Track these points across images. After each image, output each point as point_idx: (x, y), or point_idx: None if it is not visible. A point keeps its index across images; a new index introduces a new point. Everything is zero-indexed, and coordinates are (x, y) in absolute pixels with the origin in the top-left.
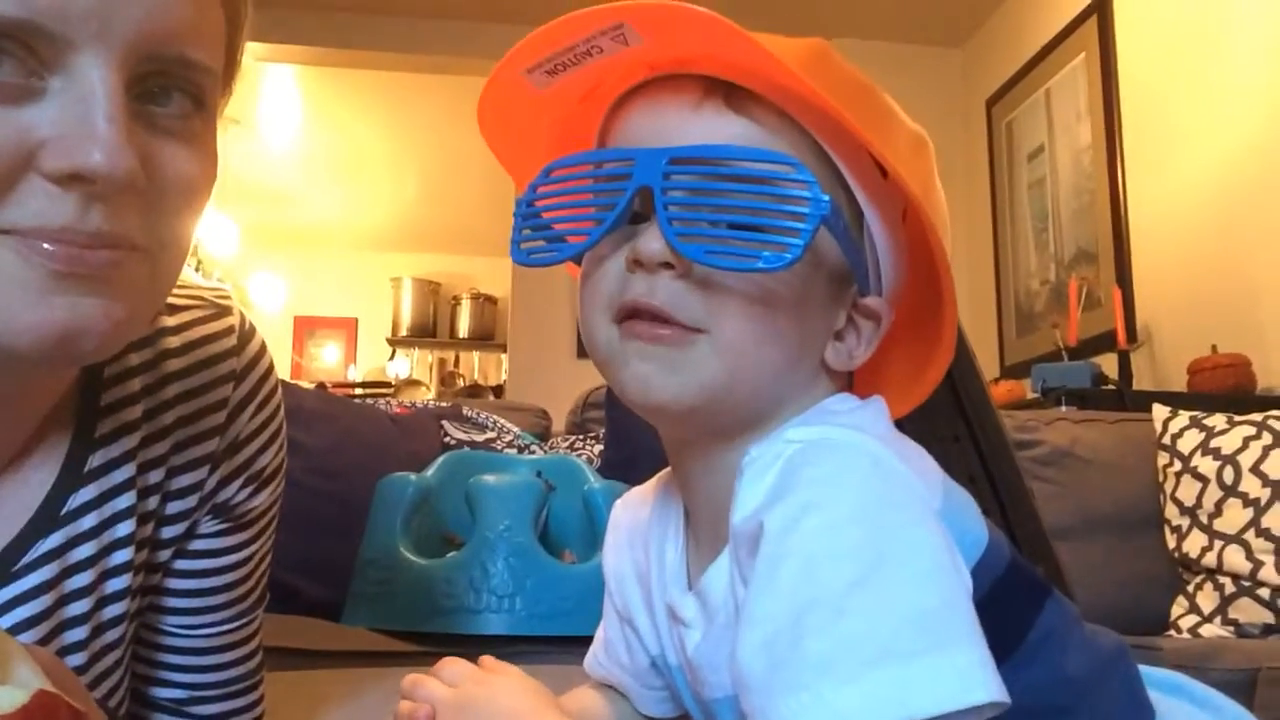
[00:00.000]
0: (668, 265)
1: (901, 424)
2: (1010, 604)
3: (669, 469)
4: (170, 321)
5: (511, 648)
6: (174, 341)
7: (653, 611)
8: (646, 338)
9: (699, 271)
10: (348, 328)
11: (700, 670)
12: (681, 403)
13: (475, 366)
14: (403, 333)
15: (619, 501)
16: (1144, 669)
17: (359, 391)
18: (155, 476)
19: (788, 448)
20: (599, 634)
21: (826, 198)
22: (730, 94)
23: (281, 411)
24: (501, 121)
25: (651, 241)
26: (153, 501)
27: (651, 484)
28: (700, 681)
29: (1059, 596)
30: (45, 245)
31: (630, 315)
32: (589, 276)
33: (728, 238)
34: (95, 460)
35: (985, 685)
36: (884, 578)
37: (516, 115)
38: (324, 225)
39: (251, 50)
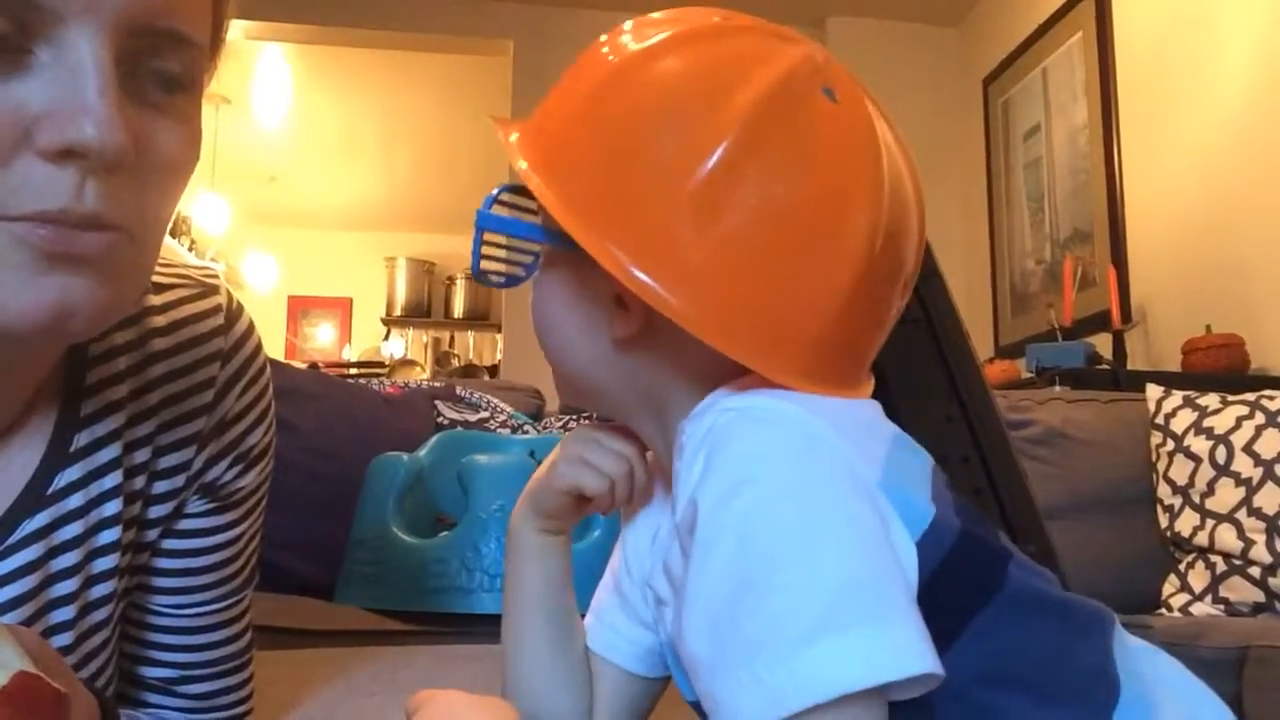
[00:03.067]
0: None
1: (896, 404)
2: (964, 576)
3: None
4: (156, 300)
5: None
6: (160, 320)
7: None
8: None
9: None
10: (342, 307)
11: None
12: (562, 397)
13: (470, 346)
14: (397, 313)
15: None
16: (1138, 645)
17: (353, 371)
18: (142, 456)
19: (719, 418)
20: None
21: (484, 209)
22: None
23: (270, 391)
24: None
25: None
26: (139, 481)
27: None
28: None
29: (1024, 564)
30: (40, 230)
31: None
32: None
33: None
34: (81, 439)
35: (920, 656)
36: (815, 553)
37: None
38: (317, 204)
39: (244, 29)
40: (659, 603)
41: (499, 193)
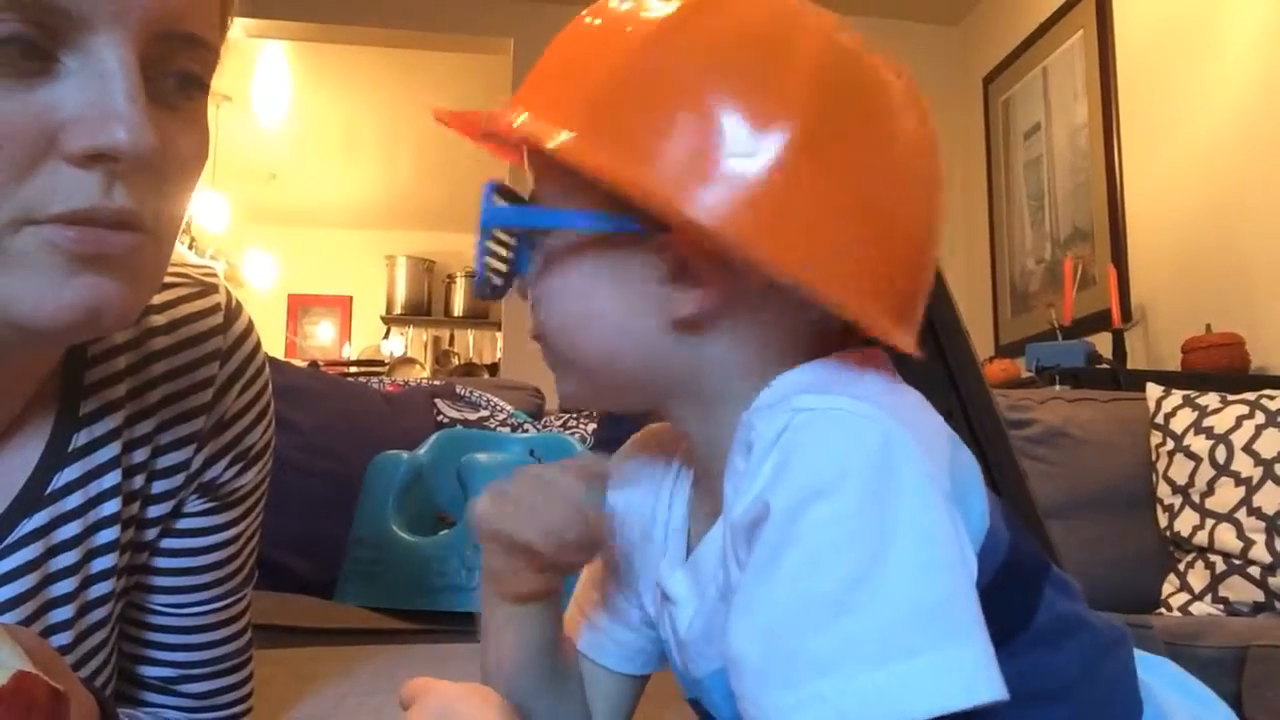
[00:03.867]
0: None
1: None
2: (1012, 591)
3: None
4: (156, 299)
5: None
6: (159, 319)
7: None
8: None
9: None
10: (342, 306)
11: (690, 647)
12: (570, 399)
13: (470, 345)
14: (397, 311)
15: (629, 445)
16: (1143, 655)
17: (353, 370)
18: (140, 455)
19: (795, 417)
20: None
21: (488, 206)
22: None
23: (269, 389)
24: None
25: None
26: (138, 480)
27: (669, 438)
28: (689, 659)
29: (1058, 576)
30: (69, 232)
31: None
32: None
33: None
34: (80, 439)
35: (987, 683)
36: (889, 571)
37: None
38: (317, 203)
39: (244, 26)
40: (665, 599)
41: (493, 190)
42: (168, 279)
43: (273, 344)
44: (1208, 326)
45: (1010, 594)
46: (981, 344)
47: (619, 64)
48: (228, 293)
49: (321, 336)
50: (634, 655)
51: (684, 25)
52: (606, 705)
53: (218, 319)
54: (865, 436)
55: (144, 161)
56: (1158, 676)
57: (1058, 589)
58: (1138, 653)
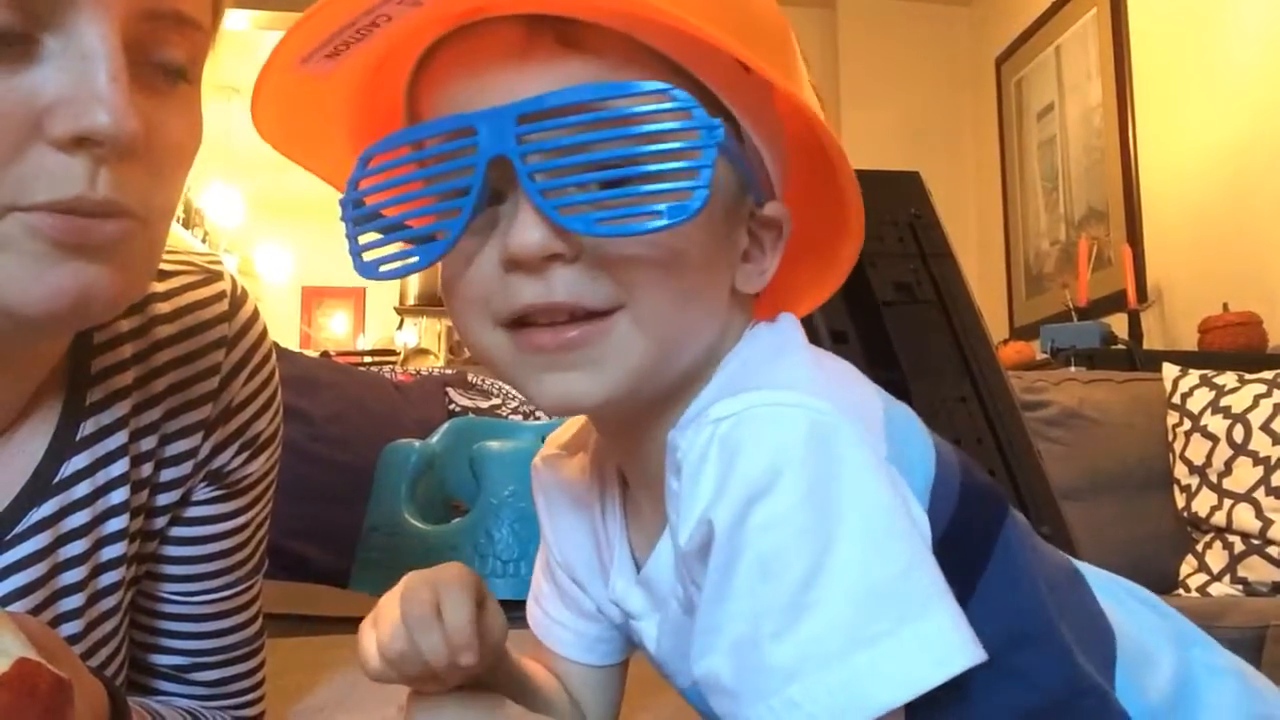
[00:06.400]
0: (555, 255)
1: (908, 385)
2: (972, 525)
3: (595, 438)
4: (160, 287)
5: (515, 612)
6: (164, 307)
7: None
8: (553, 347)
9: (590, 245)
10: (356, 297)
11: (667, 665)
12: (615, 397)
13: None
14: (410, 301)
15: (542, 460)
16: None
17: (366, 360)
18: (148, 443)
19: (718, 428)
20: (533, 590)
21: (716, 122)
22: (559, 29)
23: (276, 377)
24: (287, 121)
25: (525, 233)
26: (146, 469)
27: (580, 451)
28: (668, 673)
29: (1016, 518)
30: (53, 220)
31: (524, 320)
32: (457, 277)
33: (609, 200)
34: (87, 428)
35: (960, 651)
36: (840, 560)
37: (303, 109)
38: (331, 195)
39: (252, 19)
40: (627, 615)
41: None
42: (172, 267)
43: (287, 336)
44: (1225, 305)
45: (972, 523)
46: (996, 327)
47: None
48: (232, 280)
49: (335, 328)
50: (594, 644)
51: None
52: (587, 698)
53: (223, 306)
54: (790, 426)
55: (128, 146)
56: (1131, 612)
57: (1013, 517)
58: (1107, 584)
